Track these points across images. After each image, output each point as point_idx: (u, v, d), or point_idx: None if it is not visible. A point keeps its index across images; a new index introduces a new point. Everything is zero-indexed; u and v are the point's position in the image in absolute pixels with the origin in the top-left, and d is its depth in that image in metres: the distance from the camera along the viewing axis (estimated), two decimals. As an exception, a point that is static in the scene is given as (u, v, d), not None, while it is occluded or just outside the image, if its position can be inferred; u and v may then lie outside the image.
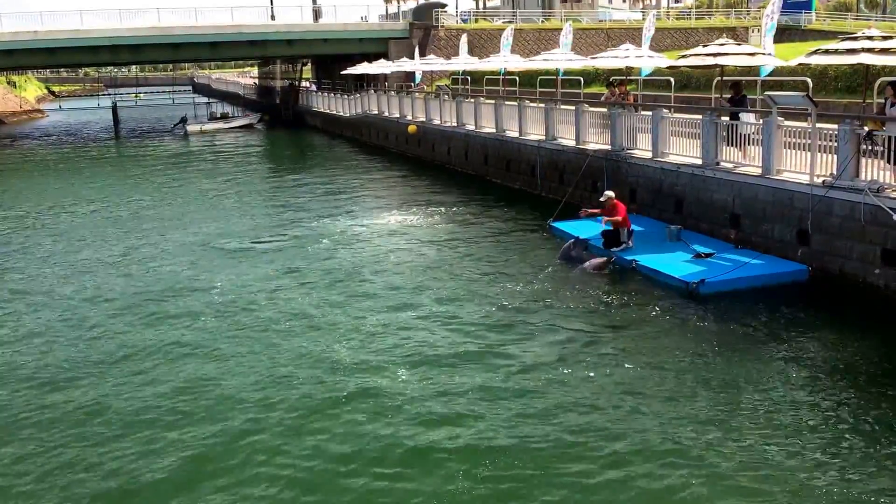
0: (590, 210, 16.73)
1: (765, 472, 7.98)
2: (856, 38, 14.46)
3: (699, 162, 17.02)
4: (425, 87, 44.87)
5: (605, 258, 15.26)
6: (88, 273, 16.75)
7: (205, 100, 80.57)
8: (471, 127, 29.49)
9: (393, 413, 9.53)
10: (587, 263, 15.28)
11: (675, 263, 14.67)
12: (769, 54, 18.67)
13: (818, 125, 14.24)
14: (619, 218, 15.90)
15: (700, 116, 17.21)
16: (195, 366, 11.27)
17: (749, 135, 16.22)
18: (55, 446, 9.08)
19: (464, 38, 42.33)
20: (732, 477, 7.92)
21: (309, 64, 71.43)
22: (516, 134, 25.64)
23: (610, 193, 16.33)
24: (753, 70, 19.83)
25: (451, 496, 7.82)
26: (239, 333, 12.53)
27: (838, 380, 10.15)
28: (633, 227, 16.42)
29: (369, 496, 7.91)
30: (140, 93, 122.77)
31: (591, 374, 10.44)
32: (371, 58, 49.22)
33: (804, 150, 14.56)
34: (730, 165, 16.34)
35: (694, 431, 8.85)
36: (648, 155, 18.84)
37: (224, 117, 62.05)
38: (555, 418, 9.26)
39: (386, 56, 50.43)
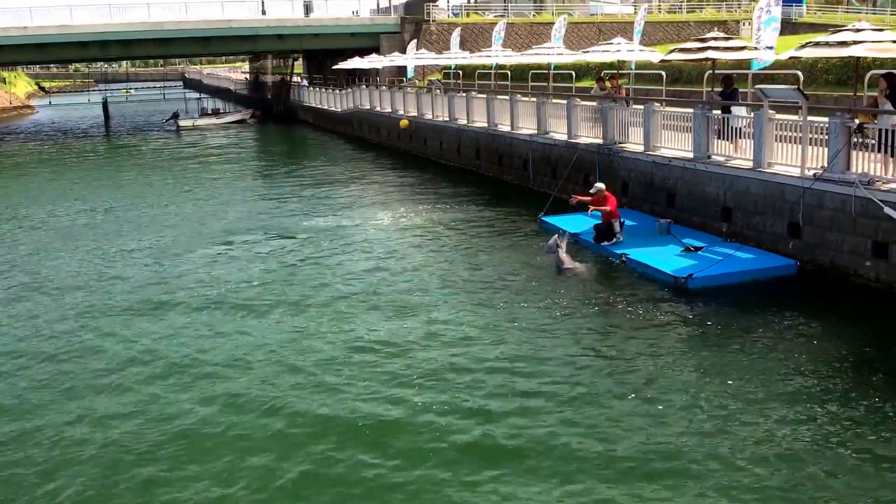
0: (579, 197, 16.68)
1: (752, 465, 7.97)
2: (846, 31, 14.49)
3: (691, 155, 17.02)
4: (417, 81, 44.77)
5: (567, 241, 15.49)
6: (75, 272, 16.66)
7: (196, 95, 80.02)
8: (463, 121, 29.44)
9: (388, 405, 9.53)
10: (562, 258, 15.12)
11: (665, 257, 14.66)
12: (769, 48, 18.58)
13: (809, 118, 14.26)
14: (607, 207, 15.89)
15: (691, 110, 17.21)
16: (180, 367, 11.22)
17: (740, 128, 16.23)
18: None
19: (455, 33, 42.27)
20: (718, 471, 7.90)
21: (300, 59, 71.22)
22: (508, 128, 25.61)
23: (600, 185, 16.36)
24: (745, 63, 19.83)
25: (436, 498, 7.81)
26: (228, 333, 12.48)
27: (829, 372, 10.13)
28: (624, 220, 16.42)
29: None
30: (131, 88, 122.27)
31: (569, 369, 10.37)
32: (363, 52, 49.11)
33: (795, 143, 14.57)
34: (721, 159, 16.35)
35: (676, 426, 8.82)
36: (640, 148, 18.83)
37: (216, 113, 61.81)
38: (534, 412, 9.23)
39: (377, 51, 50.33)
